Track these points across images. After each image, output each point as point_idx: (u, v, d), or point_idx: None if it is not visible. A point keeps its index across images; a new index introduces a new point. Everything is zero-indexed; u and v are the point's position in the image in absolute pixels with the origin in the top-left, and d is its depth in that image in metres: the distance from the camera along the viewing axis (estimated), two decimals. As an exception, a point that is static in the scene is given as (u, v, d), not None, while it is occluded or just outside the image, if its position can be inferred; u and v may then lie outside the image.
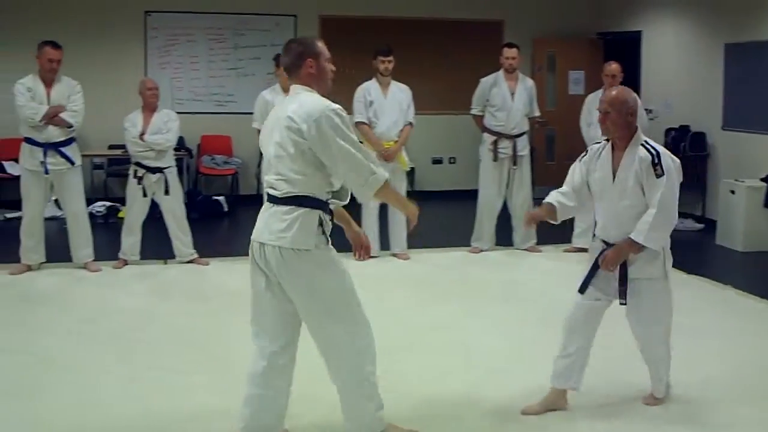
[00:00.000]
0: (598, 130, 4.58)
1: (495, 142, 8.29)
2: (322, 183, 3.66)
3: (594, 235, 4.46)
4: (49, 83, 7.15)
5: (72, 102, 7.20)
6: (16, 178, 7.78)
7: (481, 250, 8.39)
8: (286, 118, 3.60)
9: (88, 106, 7.39)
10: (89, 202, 8.01)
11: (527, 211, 7.44)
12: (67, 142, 7.25)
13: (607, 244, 4.26)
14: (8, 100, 7.23)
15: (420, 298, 6.72)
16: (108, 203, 10.05)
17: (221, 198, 10.59)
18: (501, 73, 8.33)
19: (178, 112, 7.98)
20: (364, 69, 8.37)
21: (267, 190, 3.70)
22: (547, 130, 11.11)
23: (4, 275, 7.16)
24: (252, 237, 3.73)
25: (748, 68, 9.26)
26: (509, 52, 8.28)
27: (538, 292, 6.75)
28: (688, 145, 9.91)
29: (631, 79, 10.00)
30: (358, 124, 7.85)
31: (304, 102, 3.61)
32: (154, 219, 7.86)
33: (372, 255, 7.87)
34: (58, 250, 7.60)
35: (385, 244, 8.13)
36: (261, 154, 3.97)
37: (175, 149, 7.91)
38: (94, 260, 7.51)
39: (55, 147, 7.16)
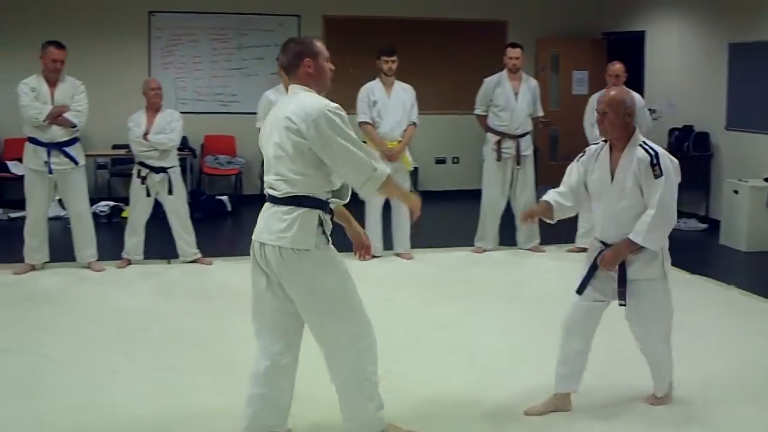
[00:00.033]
0: (601, 130, 4.57)
1: (498, 142, 8.29)
2: (321, 183, 3.65)
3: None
4: (52, 83, 7.16)
5: (76, 102, 7.22)
6: (20, 178, 7.80)
7: (485, 250, 8.39)
8: (285, 118, 3.59)
9: (91, 106, 7.39)
10: (93, 201, 8.03)
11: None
12: (71, 142, 7.26)
13: (606, 245, 4.26)
14: (12, 100, 7.23)
15: (423, 298, 6.72)
16: (111, 203, 10.05)
17: (225, 198, 10.60)
18: (504, 73, 8.33)
19: (182, 112, 7.99)
20: (367, 69, 8.38)
21: (267, 190, 3.70)
22: (550, 130, 11.12)
23: (8, 275, 7.18)
24: (253, 237, 3.73)
25: (752, 68, 9.25)
26: (513, 52, 8.27)
27: (541, 292, 6.74)
28: (691, 145, 9.90)
29: (635, 79, 10.00)
30: (361, 124, 7.86)
31: (302, 102, 3.61)
32: (158, 219, 7.87)
33: (375, 255, 7.97)
34: (61, 250, 7.61)
35: (388, 244, 8.14)
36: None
37: (179, 149, 7.93)
38: (98, 260, 7.52)
39: (58, 147, 7.17)
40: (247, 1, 11.22)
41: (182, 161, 8.46)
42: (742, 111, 9.44)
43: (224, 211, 10.48)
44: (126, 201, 8.22)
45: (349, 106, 7.62)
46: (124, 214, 9.15)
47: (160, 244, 7.88)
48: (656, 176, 4.09)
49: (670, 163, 4.16)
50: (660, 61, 10.98)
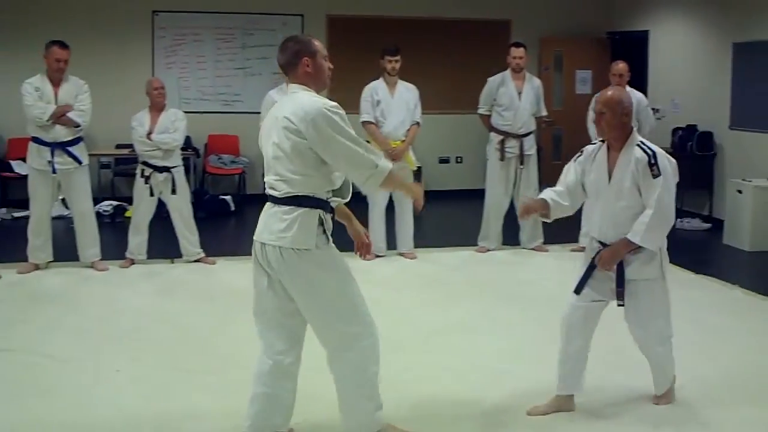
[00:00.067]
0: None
1: (502, 142, 8.29)
2: (321, 182, 3.65)
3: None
4: (56, 83, 7.16)
5: (79, 101, 7.22)
6: (24, 178, 7.80)
7: (488, 250, 8.38)
8: (284, 118, 3.58)
9: (95, 106, 7.40)
10: (96, 201, 8.04)
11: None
12: (75, 142, 7.27)
13: (604, 245, 4.25)
14: (16, 100, 7.24)
15: (426, 298, 6.72)
16: (115, 202, 10.05)
17: (228, 197, 10.61)
18: (508, 72, 8.32)
19: (185, 112, 7.98)
20: (371, 68, 8.37)
21: (267, 190, 3.70)
22: (554, 129, 11.10)
23: (12, 274, 7.18)
24: (254, 237, 3.73)
25: (756, 67, 9.24)
26: (516, 52, 8.27)
27: (545, 292, 6.73)
28: (695, 144, 9.89)
29: (638, 78, 10.00)
30: (365, 123, 7.86)
31: (300, 102, 3.60)
32: (161, 218, 7.87)
33: (378, 254, 7.97)
34: (65, 250, 7.62)
35: (391, 244, 8.13)
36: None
37: (182, 148, 7.93)
38: (101, 259, 7.53)
39: (62, 146, 7.18)
40: (251, 0, 11.23)
41: (186, 161, 8.45)
42: (746, 110, 9.42)
43: (227, 210, 10.49)
44: (129, 200, 8.22)
45: (353, 105, 7.67)
46: (127, 214, 9.14)
47: (163, 244, 7.89)
48: (654, 176, 4.08)
49: (668, 162, 4.14)
50: (663, 60, 10.97)
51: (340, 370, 3.77)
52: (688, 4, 10.49)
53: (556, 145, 11.90)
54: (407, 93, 8.05)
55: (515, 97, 8.25)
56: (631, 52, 10.71)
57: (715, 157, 9.94)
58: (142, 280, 7.22)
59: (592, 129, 8.27)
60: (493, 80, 8.38)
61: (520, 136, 8.29)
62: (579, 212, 4.44)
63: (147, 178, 7.55)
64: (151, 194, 7.57)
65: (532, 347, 5.40)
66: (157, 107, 7.57)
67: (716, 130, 9.88)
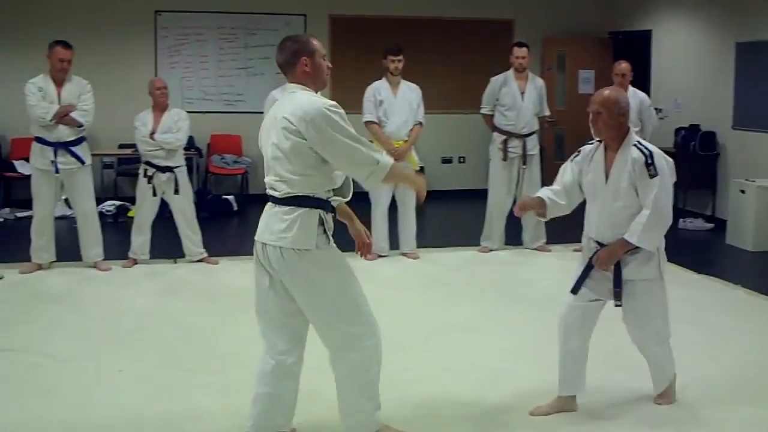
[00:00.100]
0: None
1: (505, 142, 8.28)
2: (321, 181, 3.65)
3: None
4: (59, 83, 7.17)
5: (82, 101, 7.22)
6: (27, 178, 7.81)
7: (491, 250, 8.38)
8: (282, 119, 3.58)
9: (98, 106, 7.41)
10: (99, 201, 8.03)
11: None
12: (78, 142, 7.27)
13: (601, 245, 4.24)
14: (19, 100, 7.25)
15: (429, 298, 6.72)
16: (118, 202, 10.07)
17: (231, 197, 10.61)
18: (511, 72, 8.32)
19: (188, 112, 7.98)
20: (374, 68, 8.37)
21: (268, 191, 3.70)
22: (556, 129, 11.09)
23: (14, 274, 7.19)
24: (255, 237, 3.73)
25: (759, 67, 9.23)
26: (519, 52, 8.27)
27: (548, 292, 6.72)
28: (698, 144, 9.88)
29: (641, 78, 9.99)
30: (367, 123, 7.87)
31: (299, 102, 3.59)
32: (164, 218, 7.88)
33: (381, 254, 7.97)
34: (68, 249, 7.63)
35: (394, 244, 8.13)
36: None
37: (185, 148, 7.93)
38: (104, 259, 7.54)
39: (65, 146, 7.18)
40: (253, 0, 11.23)
41: (188, 161, 8.46)
42: (749, 110, 9.41)
43: (230, 210, 10.50)
44: (132, 200, 8.23)
45: (355, 105, 7.68)
46: (130, 214, 9.16)
47: (166, 244, 7.89)
48: (651, 176, 4.07)
49: (665, 162, 4.13)
50: (666, 60, 10.96)
51: (343, 369, 3.77)
52: (690, 3, 10.48)
53: (558, 145, 11.89)
54: (410, 93, 8.05)
55: (518, 97, 8.25)
56: (634, 51, 10.70)
57: (718, 157, 9.93)
58: (145, 280, 7.22)
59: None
60: (495, 80, 8.37)
61: (523, 136, 8.28)
62: (582, 213, 4.42)
63: (150, 178, 7.55)
64: (154, 194, 7.58)
65: (533, 347, 5.40)
66: (160, 107, 7.58)
67: (719, 129, 9.87)
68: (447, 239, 8.89)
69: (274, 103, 7.57)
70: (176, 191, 7.59)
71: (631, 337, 4.37)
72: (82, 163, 7.30)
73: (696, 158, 9.81)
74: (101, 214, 8.34)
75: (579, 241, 8.12)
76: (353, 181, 3.84)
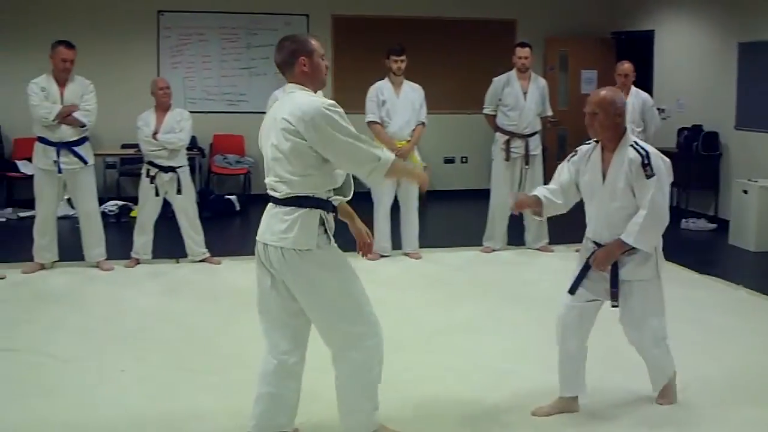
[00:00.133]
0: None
1: (507, 142, 8.28)
2: (322, 181, 3.64)
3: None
4: (62, 83, 7.17)
5: (85, 101, 7.23)
6: (30, 178, 7.82)
7: (493, 250, 8.38)
8: (282, 119, 3.58)
9: (100, 106, 7.41)
10: (102, 201, 8.05)
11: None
12: (80, 142, 7.28)
13: (599, 245, 4.24)
14: (22, 100, 7.25)
15: (431, 298, 6.72)
16: (120, 202, 10.08)
17: (233, 197, 10.62)
18: (513, 72, 8.32)
19: (191, 112, 7.98)
20: (376, 68, 8.38)
21: (268, 191, 3.70)
22: (559, 129, 11.10)
23: (17, 274, 7.20)
24: (257, 237, 3.73)
25: (761, 67, 9.22)
26: (522, 52, 8.26)
27: (550, 292, 6.67)
28: (700, 144, 9.87)
29: (644, 78, 9.99)
30: (370, 123, 7.87)
31: (298, 102, 3.58)
32: (167, 218, 7.89)
33: (383, 254, 7.97)
34: (70, 249, 7.64)
35: (396, 244, 8.13)
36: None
37: (188, 148, 7.94)
38: (107, 259, 7.55)
39: (68, 146, 7.19)
40: (256, 0, 11.23)
41: (191, 161, 8.47)
42: (752, 110, 9.41)
43: (233, 210, 10.50)
44: (135, 200, 8.24)
45: (358, 105, 7.69)
46: (132, 214, 9.16)
47: (168, 244, 7.90)
48: (648, 176, 4.06)
49: (661, 162, 4.13)
50: (669, 60, 10.95)
51: (344, 369, 3.77)
52: (693, 3, 10.47)
53: (561, 145, 11.87)
54: (412, 93, 8.05)
55: (520, 97, 8.25)
56: (637, 51, 10.70)
57: (720, 157, 9.92)
58: (147, 279, 7.23)
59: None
60: (498, 80, 8.37)
61: (526, 136, 8.28)
62: (584, 213, 4.42)
63: (152, 178, 7.56)
64: (157, 194, 7.58)
65: (536, 347, 5.38)
66: (162, 107, 7.58)
67: (722, 130, 9.86)
68: (449, 239, 8.89)
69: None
70: (179, 191, 7.60)
71: (628, 338, 4.37)
72: (85, 163, 7.31)
73: (698, 158, 9.81)
74: (104, 214, 8.35)
75: (581, 241, 8.24)
76: (354, 181, 3.84)
